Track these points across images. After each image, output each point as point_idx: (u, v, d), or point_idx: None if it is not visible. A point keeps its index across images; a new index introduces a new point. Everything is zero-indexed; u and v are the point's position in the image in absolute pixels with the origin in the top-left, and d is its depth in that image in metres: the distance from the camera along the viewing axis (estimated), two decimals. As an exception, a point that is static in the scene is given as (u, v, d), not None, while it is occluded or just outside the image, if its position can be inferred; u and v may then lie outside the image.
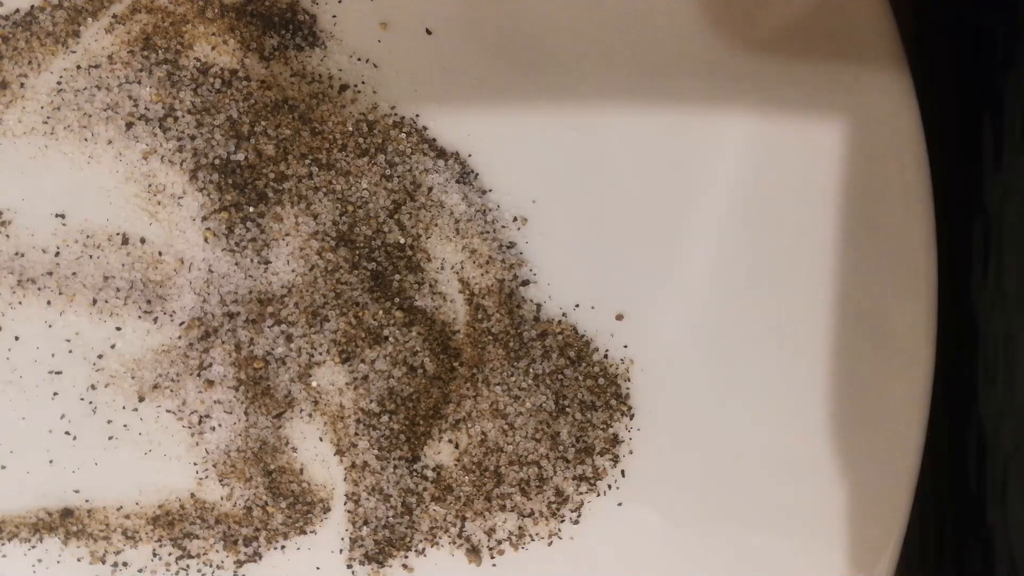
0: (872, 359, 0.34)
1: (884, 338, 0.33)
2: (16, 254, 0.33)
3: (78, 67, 0.33)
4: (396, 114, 0.34)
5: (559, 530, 0.34)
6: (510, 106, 0.34)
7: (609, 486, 0.34)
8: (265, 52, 0.33)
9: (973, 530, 0.35)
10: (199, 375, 0.33)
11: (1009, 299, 0.34)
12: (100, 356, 0.33)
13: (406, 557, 0.34)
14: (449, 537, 0.34)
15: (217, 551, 0.34)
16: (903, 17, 0.34)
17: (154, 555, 0.33)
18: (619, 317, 0.34)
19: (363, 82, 0.34)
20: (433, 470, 0.34)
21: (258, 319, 0.33)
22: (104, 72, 0.33)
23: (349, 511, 0.34)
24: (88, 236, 0.33)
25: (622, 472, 0.34)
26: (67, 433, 0.33)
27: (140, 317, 0.33)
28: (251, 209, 0.33)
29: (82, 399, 0.33)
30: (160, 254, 0.33)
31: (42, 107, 0.33)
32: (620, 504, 0.34)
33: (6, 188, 0.33)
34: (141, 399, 0.33)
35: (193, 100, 0.33)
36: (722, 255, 0.34)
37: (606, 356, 0.34)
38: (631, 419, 0.34)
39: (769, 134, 0.34)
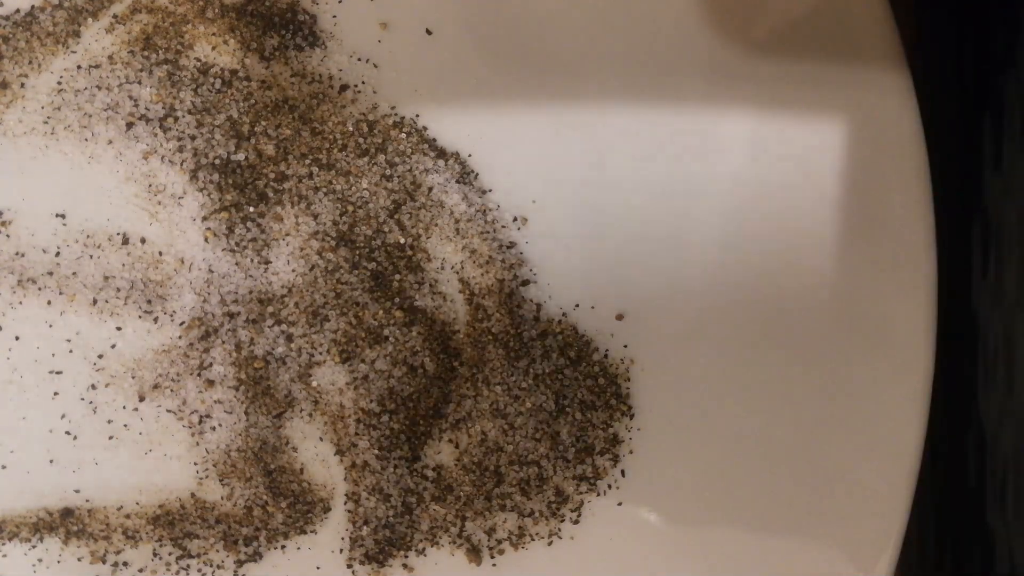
0: (872, 359, 0.34)
1: (884, 338, 0.33)
2: (16, 254, 0.33)
3: (78, 67, 0.33)
4: (396, 114, 0.34)
5: (559, 530, 0.34)
6: (510, 106, 0.34)
7: (609, 486, 0.34)
8: (265, 52, 0.33)
9: (973, 530, 0.35)
10: (199, 375, 0.33)
11: (1009, 299, 0.34)
12: (100, 356, 0.33)
13: (406, 557, 0.34)
14: (449, 537, 0.34)
15: (217, 551, 0.34)
16: (903, 17, 0.34)
17: (154, 555, 0.33)
18: (619, 317, 0.34)
19: (363, 82, 0.34)
20: (433, 470, 0.34)
21: (258, 319, 0.33)
22: (104, 72, 0.33)
23: (349, 511, 0.34)
24: (88, 236, 0.33)
25: (622, 472, 0.34)
26: (67, 433, 0.33)
27: (140, 317, 0.33)
28: (251, 209, 0.33)
29: (82, 399, 0.33)
30: (160, 254, 0.33)
31: (42, 107, 0.33)
32: (620, 504, 0.34)
33: (6, 188, 0.33)
34: (141, 399, 0.33)
35: (193, 100, 0.33)
36: (722, 255, 0.34)
37: (606, 356, 0.34)
38: (631, 419, 0.34)
39: (769, 134, 0.34)
